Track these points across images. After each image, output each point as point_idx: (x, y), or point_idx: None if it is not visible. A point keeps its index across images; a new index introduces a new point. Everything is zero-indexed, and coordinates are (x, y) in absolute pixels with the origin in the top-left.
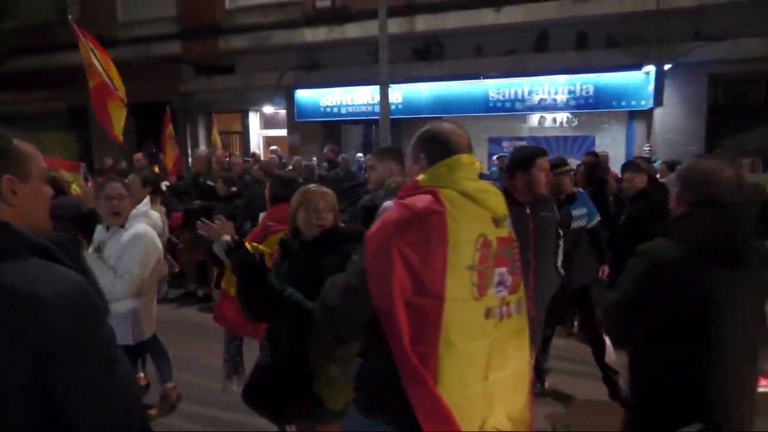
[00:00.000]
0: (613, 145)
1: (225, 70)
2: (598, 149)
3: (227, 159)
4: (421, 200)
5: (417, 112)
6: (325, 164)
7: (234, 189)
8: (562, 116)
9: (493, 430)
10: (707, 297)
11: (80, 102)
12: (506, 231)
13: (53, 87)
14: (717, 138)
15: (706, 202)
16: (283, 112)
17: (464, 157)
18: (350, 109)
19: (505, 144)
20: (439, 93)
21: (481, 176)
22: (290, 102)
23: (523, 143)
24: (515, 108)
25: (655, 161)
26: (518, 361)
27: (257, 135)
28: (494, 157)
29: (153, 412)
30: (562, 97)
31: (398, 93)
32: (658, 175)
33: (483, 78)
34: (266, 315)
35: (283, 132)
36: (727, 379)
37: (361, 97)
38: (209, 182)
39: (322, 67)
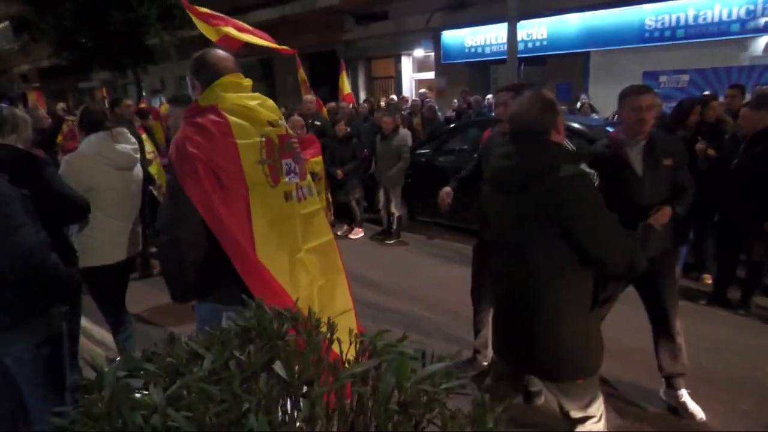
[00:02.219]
0: None
1: (379, 17)
2: None
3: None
4: (203, 116)
5: (564, 47)
6: (455, 104)
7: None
8: (731, 43)
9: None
10: None
11: (268, 56)
12: (283, 129)
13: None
14: None
15: None
16: (433, 54)
17: (233, 77)
18: (494, 48)
19: (663, 78)
20: (589, 24)
21: None
22: (437, 44)
23: (686, 77)
24: (676, 36)
25: None
26: (324, 232)
27: (409, 78)
28: None
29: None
30: (735, 19)
31: (543, 28)
32: None
33: (638, 4)
34: None
35: (433, 75)
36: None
37: (506, 35)
38: (317, 122)
39: (468, 5)
